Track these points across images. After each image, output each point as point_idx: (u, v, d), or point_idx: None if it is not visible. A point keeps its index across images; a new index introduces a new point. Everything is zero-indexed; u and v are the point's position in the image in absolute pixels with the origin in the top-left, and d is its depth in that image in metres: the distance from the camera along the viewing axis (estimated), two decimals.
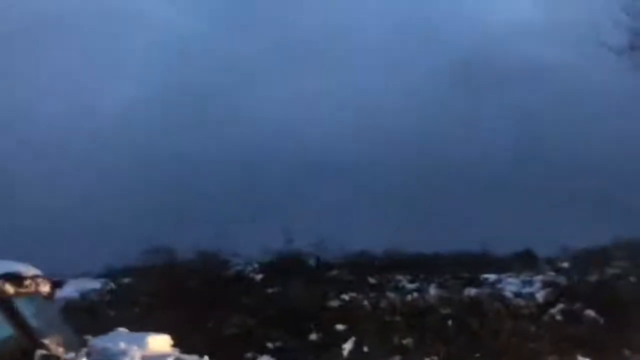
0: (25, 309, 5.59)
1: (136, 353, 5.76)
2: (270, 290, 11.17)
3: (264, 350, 10.27)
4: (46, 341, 5.41)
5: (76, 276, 11.38)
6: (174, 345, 6.53)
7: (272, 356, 10.20)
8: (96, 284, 10.37)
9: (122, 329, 6.47)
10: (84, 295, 10.29)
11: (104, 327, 8.79)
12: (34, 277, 5.71)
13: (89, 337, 6.31)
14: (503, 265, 14.92)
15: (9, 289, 5.24)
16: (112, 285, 10.44)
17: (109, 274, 10.52)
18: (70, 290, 10.51)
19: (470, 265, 15.05)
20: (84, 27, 20.80)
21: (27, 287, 5.47)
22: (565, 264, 14.37)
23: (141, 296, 10.22)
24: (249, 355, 10.07)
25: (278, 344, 10.47)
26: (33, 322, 5.65)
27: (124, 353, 5.72)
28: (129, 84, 20.33)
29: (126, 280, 10.49)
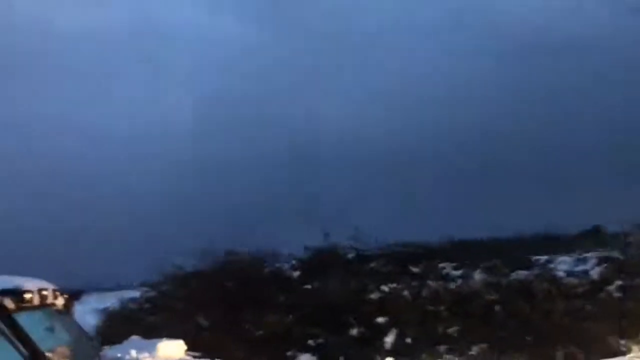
0: (32, 324, 5.55)
1: None
2: (308, 287, 10.96)
3: (304, 348, 10.07)
4: (53, 356, 5.35)
5: (119, 287, 11.56)
6: (190, 350, 6.40)
7: (313, 353, 9.99)
8: (136, 293, 10.43)
9: (135, 337, 6.41)
10: (123, 304, 10.37)
11: (140, 334, 8.81)
12: (40, 291, 5.66)
13: (104, 347, 6.25)
14: (567, 244, 14.22)
15: (10, 304, 5.20)
16: (152, 292, 10.47)
17: (150, 282, 10.56)
18: (111, 300, 10.65)
19: (527, 247, 14.42)
20: (139, 40, 21.41)
21: (29, 301, 5.41)
22: (636, 239, 13.55)
23: (179, 301, 10.21)
24: (289, 353, 9.89)
25: (319, 340, 10.24)
26: (41, 337, 5.61)
27: None
28: (182, 91, 20.80)
29: (166, 286, 10.51)
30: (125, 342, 6.33)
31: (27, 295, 5.48)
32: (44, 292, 5.77)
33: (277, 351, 9.88)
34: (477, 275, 11.97)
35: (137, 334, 9.64)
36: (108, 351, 5.79)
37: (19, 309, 5.38)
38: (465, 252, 13.61)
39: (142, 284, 10.72)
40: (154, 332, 9.76)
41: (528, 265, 12.91)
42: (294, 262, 11.52)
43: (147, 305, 10.42)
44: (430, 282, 11.35)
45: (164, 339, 6.27)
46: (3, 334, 5.13)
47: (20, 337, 5.23)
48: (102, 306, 10.46)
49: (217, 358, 8.10)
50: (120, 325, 10.21)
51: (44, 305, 5.83)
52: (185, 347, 6.23)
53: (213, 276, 10.78)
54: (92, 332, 9.80)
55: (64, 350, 5.64)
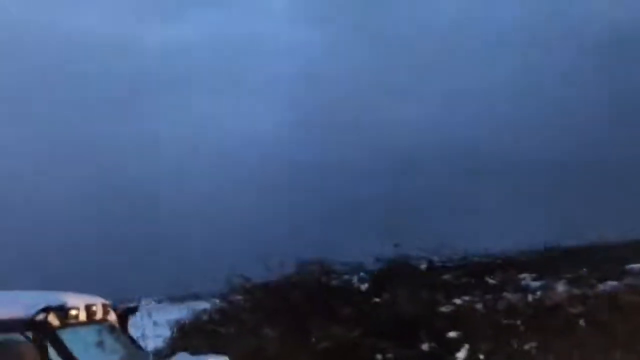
0: (79, 340, 5.65)
1: None
2: (377, 299, 10.65)
3: None
4: None
5: (190, 298, 11.78)
6: None
7: None
8: (206, 304, 10.60)
9: (183, 353, 6.42)
10: (195, 315, 10.55)
11: (207, 346, 8.93)
12: (87, 307, 5.77)
13: None
14: None
15: (54, 320, 5.32)
16: (222, 303, 10.58)
17: (219, 293, 10.69)
18: (184, 311, 10.85)
19: (622, 255, 13.40)
20: (227, 58, 22.24)
21: (75, 317, 5.52)
22: None
23: (247, 313, 10.23)
24: None
25: (387, 355, 9.92)
26: (89, 354, 5.70)
27: None
28: (260, 100, 21.28)
29: (235, 297, 10.58)
30: (173, 358, 6.34)
31: (73, 312, 5.60)
32: (92, 308, 5.88)
33: None
34: (560, 287, 11.20)
35: (206, 345, 9.76)
36: None
37: (64, 325, 5.50)
38: (549, 262, 12.83)
39: (212, 295, 10.85)
40: (223, 343, 9.82)
41: (619, 275, 11.96)
42: (362, 274, 11.25)
43: (216, 317, 10.52)
44: (506, 294, 10.73)
45: (210, 354, 6.23)
46: (45, 351, 5.25)
47: (64, 354, 5.32)
48: (174, 317, 10.70)
49: None
50: (191, 337, 10.37)
51: (92, 321, 5.94)
52: None
53: (281, 287, 10.72)
54: (164, 344, 10.00)
55: None
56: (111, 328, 6.36)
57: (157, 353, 9.31)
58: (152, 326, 10.52)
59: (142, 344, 10.39)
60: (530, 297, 10.75)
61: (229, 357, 9.52)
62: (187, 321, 10.74)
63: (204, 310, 10.76)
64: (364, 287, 11.05)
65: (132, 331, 6.89)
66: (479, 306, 10.45)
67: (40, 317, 5.27)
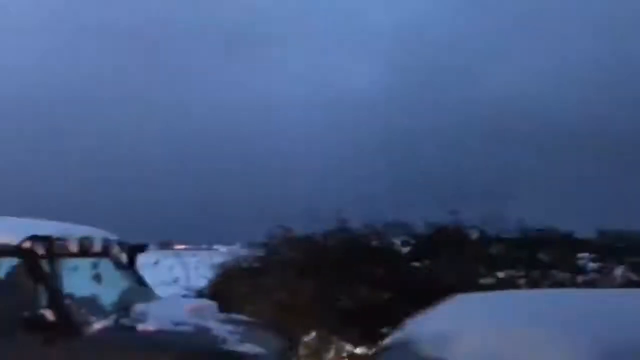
0: (70, 271, 5.83)
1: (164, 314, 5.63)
2: (416, 264, 10.27)
3: (400, 326, 9.47)
4: (75, 306, 5.51)
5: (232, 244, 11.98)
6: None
7: None
8: (246, 252, 10.71)
9: (176, 294, 6.50)
10: (237, 262, 10.71)
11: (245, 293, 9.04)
12: (82, 240, 5.90)
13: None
14: None
15: (39, 249, 5.49)
16: (261, 253, 10.64)
17: (261, 241, 10.75)
18: (226, 256, 11.05)
19: None
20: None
21: (64, 248, 5.67)
22: None
23: (284, 264, 10.21)
24: (383, 329, 9.37)
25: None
26: (79, 284, 5.87)
27: (154, 317, 5.63)
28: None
29: (275, 248, 10.59)
30: (165, 298, 6.42)
31: (62, 243, 5.75)
32: (87, 242, 6.01)
33: (370, 326, 9.43)
34: (619, 271, 10.25)
35: (242, 291, 9.88)
36: (138, 306, 5.87)
37: (51, 255, 5.66)
38: (617, 245, 11.78)
39: (253, 243, 10.95)
40: (257, 290, 9.91)
41: None
42: (406, 237, 10.87)
43: (256, 265, 10.61)
44: (555, 272, 9.96)
45: (200, 299, 6.25)
46: (33, 277, 5.44)
47: (46, 283, 5.49)
48: (217, 261, 10.95)
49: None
50: (231, 281, 10.54)
51: (87, 254, 6.09)
52: (216, 308, 6.13)
53: (321, 243, 10.59)
54: (205, 287, 10.26)
55: (93, 302, 5.84)
56: (114, 263, 6.52)
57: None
58: (196, 269, 10.83)
59: (184, 283, 10.76)
60: (580, 278, 9.94)
61: (265, 306, 9.61)
62: (229, 266, 10.90)
63: (245, 258, 10.87)
64: (406, 250, 10.68)
65: (140, 269, 7.04)
66: (522, 281, 9.80)
67: (27, 245, 5.48)
